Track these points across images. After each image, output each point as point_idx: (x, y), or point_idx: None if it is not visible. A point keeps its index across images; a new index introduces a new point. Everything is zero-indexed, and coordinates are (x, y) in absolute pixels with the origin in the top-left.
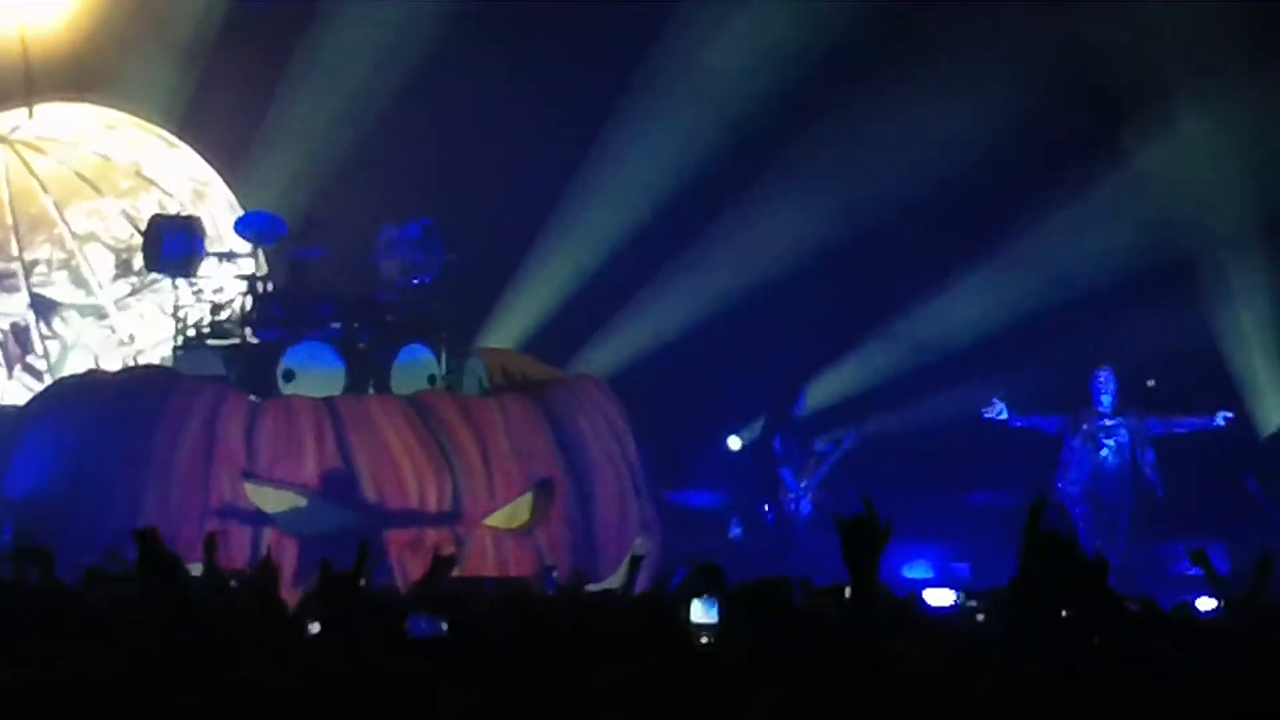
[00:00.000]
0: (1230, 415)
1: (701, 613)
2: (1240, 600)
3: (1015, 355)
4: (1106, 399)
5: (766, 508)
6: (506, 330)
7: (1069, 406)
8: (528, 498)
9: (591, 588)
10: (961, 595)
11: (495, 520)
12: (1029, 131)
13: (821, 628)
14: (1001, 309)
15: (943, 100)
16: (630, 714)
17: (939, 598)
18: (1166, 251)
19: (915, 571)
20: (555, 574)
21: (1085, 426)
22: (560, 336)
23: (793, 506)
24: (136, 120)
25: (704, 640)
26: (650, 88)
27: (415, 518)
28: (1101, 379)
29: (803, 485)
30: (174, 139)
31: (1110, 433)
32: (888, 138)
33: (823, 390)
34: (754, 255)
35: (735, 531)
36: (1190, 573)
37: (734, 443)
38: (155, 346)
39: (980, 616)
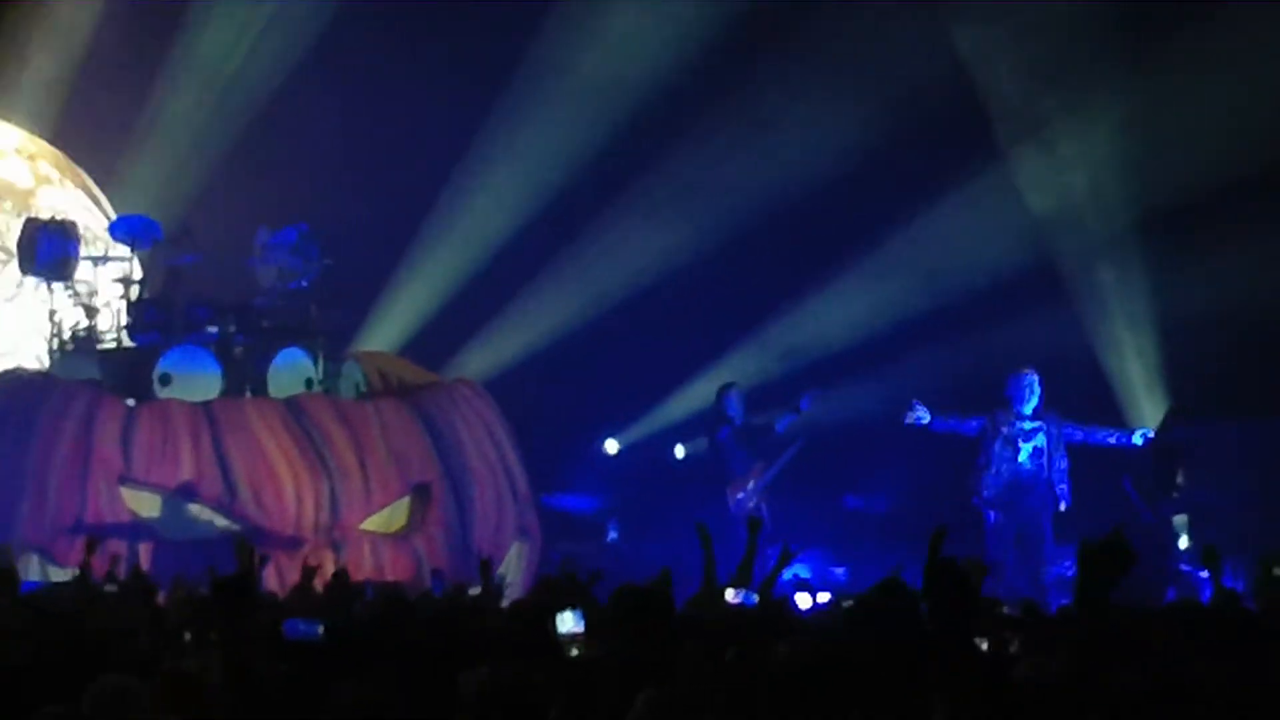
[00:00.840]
0: (1150, 436)
1: (570, 623)
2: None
3: (890, 359)
4: (1032, 402)
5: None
6: (383, 334)
7: (986, 409)
8: (405, 502)
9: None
10: (837, 598)
11: (372, 524)
12: (902, 135)
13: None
14: (875, 313)
15: (816, 104)
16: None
17: (813, 600)
18: (1040, 254)
19: (793, 573)
20: (443, 576)
21: (1005, 430)
22: (437, 340)
23: (739, 505)
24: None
25: (574, 652)
26: (526, 93)
27: (292, 522)
28: (1026, 381)
29: (750, 485)
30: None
31: (1029, 436)
32: (763, 142)
33: (697, 395)
34: (629, 260)
35: (613, 535)
36: (1069, 575)
37: (610, 446)
38: (28, 350)
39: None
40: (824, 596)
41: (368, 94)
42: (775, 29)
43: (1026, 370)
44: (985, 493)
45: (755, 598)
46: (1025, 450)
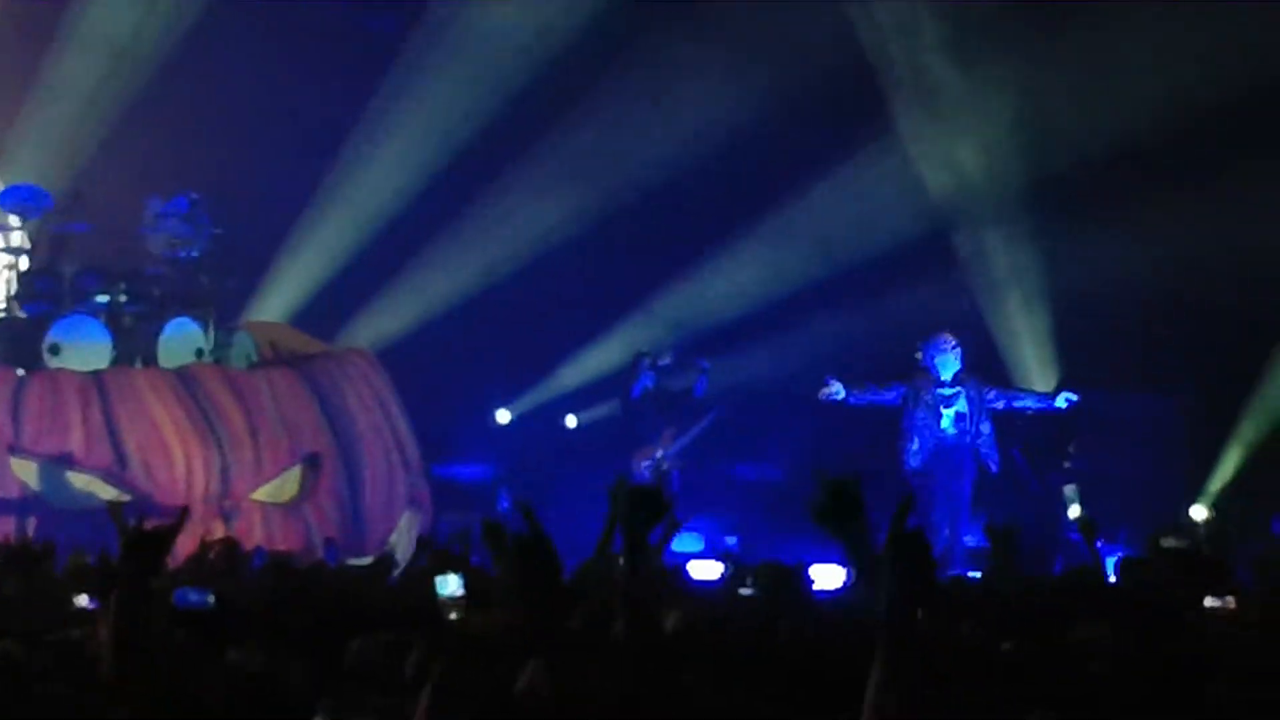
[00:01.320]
0: (1074, 398)
1: (452, 586)
2: (993, 573)
3: (782, 329)
4: (953, 368)
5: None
6: (274, 304)
7: (905, 375)
8: (296, 472)
9: (358, 561)
10: (730, 568)
11: (263, 494)
12: (796, 106)
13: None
14: (769, 283)
15: (709, 76)
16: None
17: (706, 570)
18: (933, 224)
19: (684, 545)
20: (337, 545)
21: (925, 397)
22: (328, 310)
23: (646, 472)
24: None
25: (453, 615)
26: (418, 62)
27: (182, 492)
28: (944, 345)
29: (659, 455)
30: None
31: (950, 402)
32: (656, 114)
33: (588, 365)
34: (520, 231)
35: (504, 504)
36: (977, 546)
37: (502, 416)
38: None
39: (747, 590)
40: (717, 566)
41: (260, 62)
42: (669, 3)
43: (943, 336)
44: (911, 462)
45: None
46: (947, 417)
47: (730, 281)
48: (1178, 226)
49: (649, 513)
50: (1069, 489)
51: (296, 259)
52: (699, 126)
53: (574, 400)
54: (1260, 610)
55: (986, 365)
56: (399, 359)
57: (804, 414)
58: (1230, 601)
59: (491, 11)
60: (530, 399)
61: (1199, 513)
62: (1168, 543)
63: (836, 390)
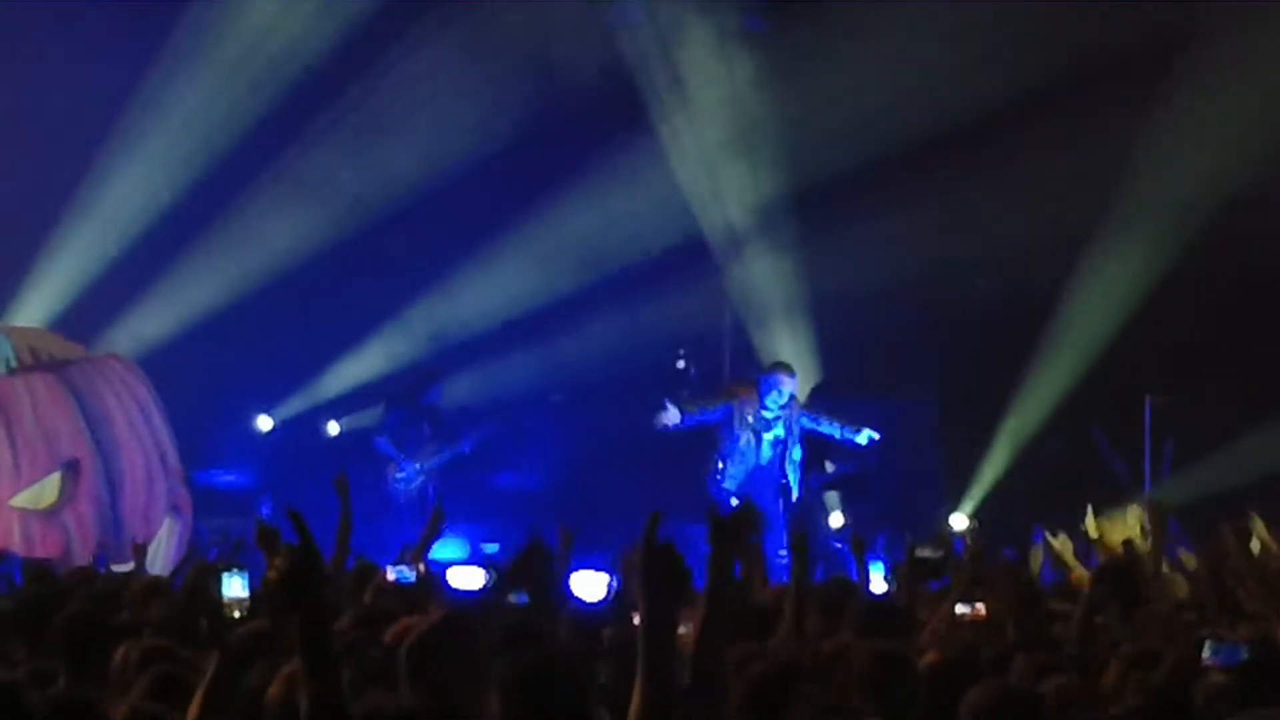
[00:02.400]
0: (876, 438)
1: (236, 588)
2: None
3: (540, 339)
4: (780, 402)
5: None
6: (33, 308)
7: (730, 393)
8: (55, 478)
9: (120, 567)
10: (493, 575)
11: (22, 500)
12: (552, 113)
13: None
14: (526, 293)
15: (466, 84)
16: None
17: (468, 577)
18: (690, 231)
19: (446, 552)
20: (107, 551)
21: (749, 418)
22: (87, 315)
23: (400, 484)
24: None
25: (236, 615)
26: (175, 66)
27: None
28: (778, 382)
29: (417, 466)
30: None
31: (770, 426)
32: (415, 120)
33: (348, 374)
34: (281, 236)
35: (265, 510)
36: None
37: (263, 423)
38: None
39: (512, 597)
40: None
41: (12, 64)
42: (426, 5)
43: (783, 372)
44: (726, 482)
45: (412, 575)
46: (767, 441)
47: (489, 290)
48: (933, 230)
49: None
50: (829, 495)
51: (54, 262)
52: (459, 134)
53: (335, 407)
54: (1004, 616)
55: (745, 363)
56: (159, 364)
57: (562, 423)
58: (980, 609)
59: (250, 15)
60: (292, 406)
61: (959, 521)
62: (923, 552)
63: (671, 418)
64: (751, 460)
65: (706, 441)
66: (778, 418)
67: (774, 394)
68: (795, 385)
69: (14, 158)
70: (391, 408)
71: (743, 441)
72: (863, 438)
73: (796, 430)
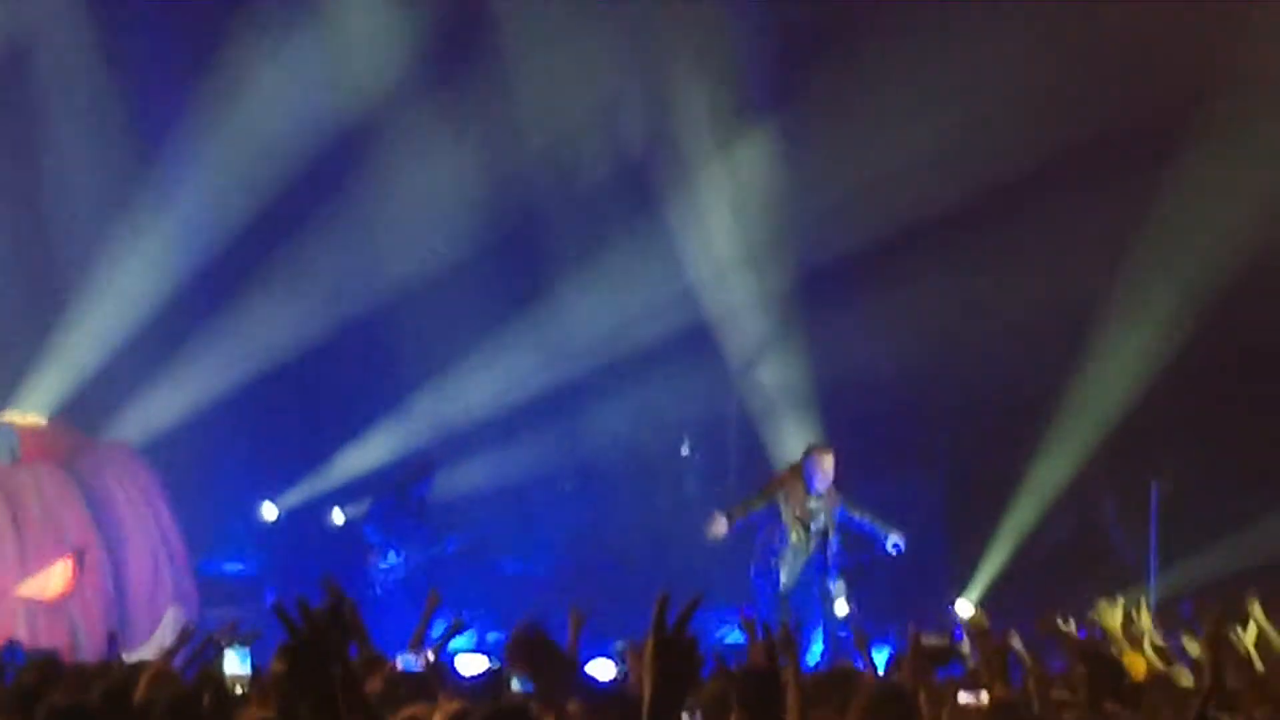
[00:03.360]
0: (901, 547)
1: (236, 665)
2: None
3: (544, 425)
4: (826, 484)
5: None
6: (38, 398)
7: (774, 483)
8: (61, 567)
9: (129, 655)
10: (496, 663)
11: (28, 590)
12: (555, 196)
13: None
14: (529, 379)
15: (467, 167)
16: None
17: (473, 664)
18: (695, 316)
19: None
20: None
21: (797, 511)
22: (92, 404)
23: (381, 573)
24: None
25: (238, 690)
26: (184, 151)
27: None
28: (821, 464)
29: (402, 556)
30: None
31: (816, 516)
32: (412, 210)
33: (352, 463)
34: (285, 325)
35: (270, 599)
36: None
37: (268, 511)
38: None
39: (515, 684)
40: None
41: (24, 148)
42: (428, 96)
43: (818, 453)
44: (772, 573)
45: (418, 663)
46: (813, 532)
47: (496, 378)
48: (938, 310)
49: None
50: (836, 584)
51: (59, 352)
52: (465, 222)
53: (341, 495)
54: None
55: (751, 448)
56: (164, 453)
57: (569, 510)
58: (984, 697)
59: (251, 107)
60: (297, 494)
61: (964, 608)
62: (929, 640)
63: (722, 528)
64: (802, 558)
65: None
66: (819, 507)
67: (818, 476)
68: (832, 464)
69: (18, 247)
70: (380, 497)
71: (794, 539)
72: (890, 543)
73: (835, 519)
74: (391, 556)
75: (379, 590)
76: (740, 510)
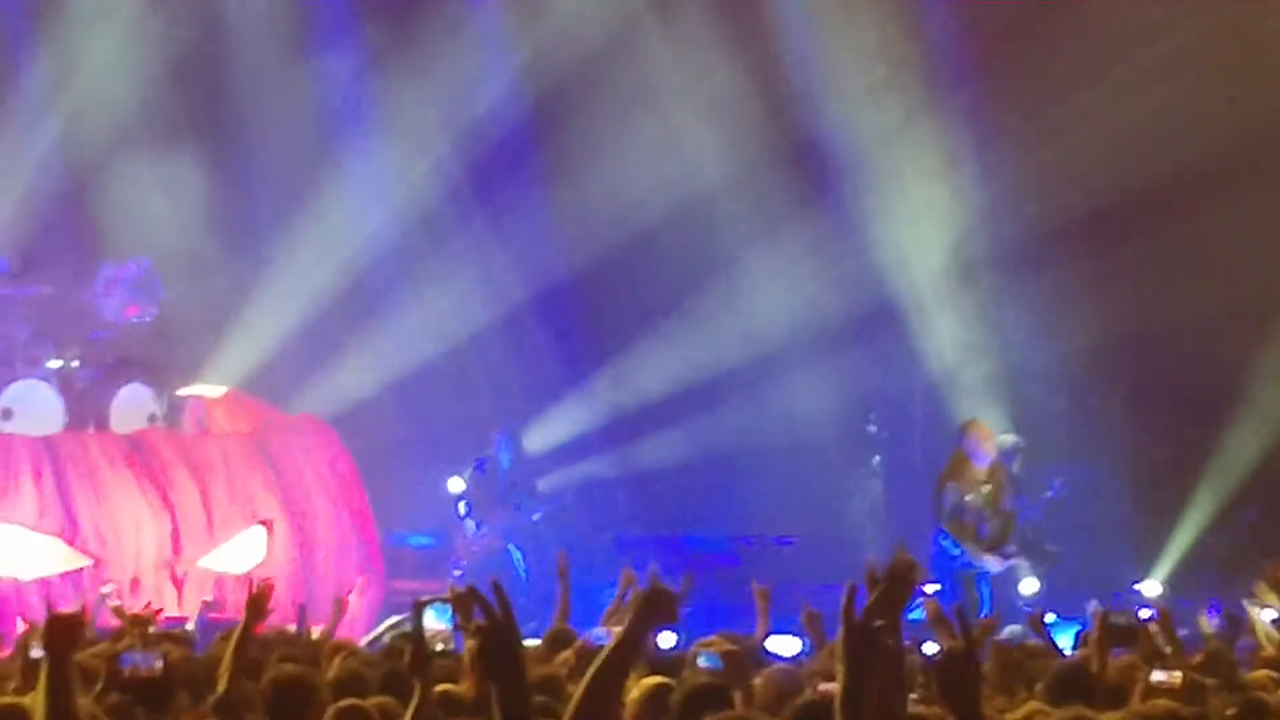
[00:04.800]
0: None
1: (434, 619)
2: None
3: (733, 401)
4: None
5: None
6: (227, 370)
7: (944, 483)
8: (247, 537)
9: (317, 628)
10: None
11: (213, 562)
12: (723, 186)
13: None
14: (715, 358)
15: (639, 149)
16: None
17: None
18: (880, 293)
19: None
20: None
21: (971, 492)
22: (282, 376)
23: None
24: None
25: (440, 647)
26: (371, 130)
27: (133, 558)
28: (979, 432)
29: (483, 530)
30: None
31: (988, 488)
32: (592, 190)
33: (537, 437)
34: (477, 296)
35: (456, 572)
36: None
37: (454, 484)
38: None
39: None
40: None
41: (208, 132)
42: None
43: (976, 424)
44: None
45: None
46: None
47: (680, 355)
48: (1126, 289)
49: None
50: (1022, 563)
51: (251, 324)
52: (652, 196)
53: (528, 468)
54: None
55: (940, 432)
56: (354, 426)
57: (752, 485)
58: (1176, 677)
59: (440, 79)
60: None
61: (1151, 588)
62: (1116, 619)
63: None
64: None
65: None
66: (991, 477)
67: (980, 450)
68: (988, 433)
69: (210, 221)
70: (471, 470)
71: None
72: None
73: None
74: (470, 526)
75: (468, 563)
76: (957, 529)
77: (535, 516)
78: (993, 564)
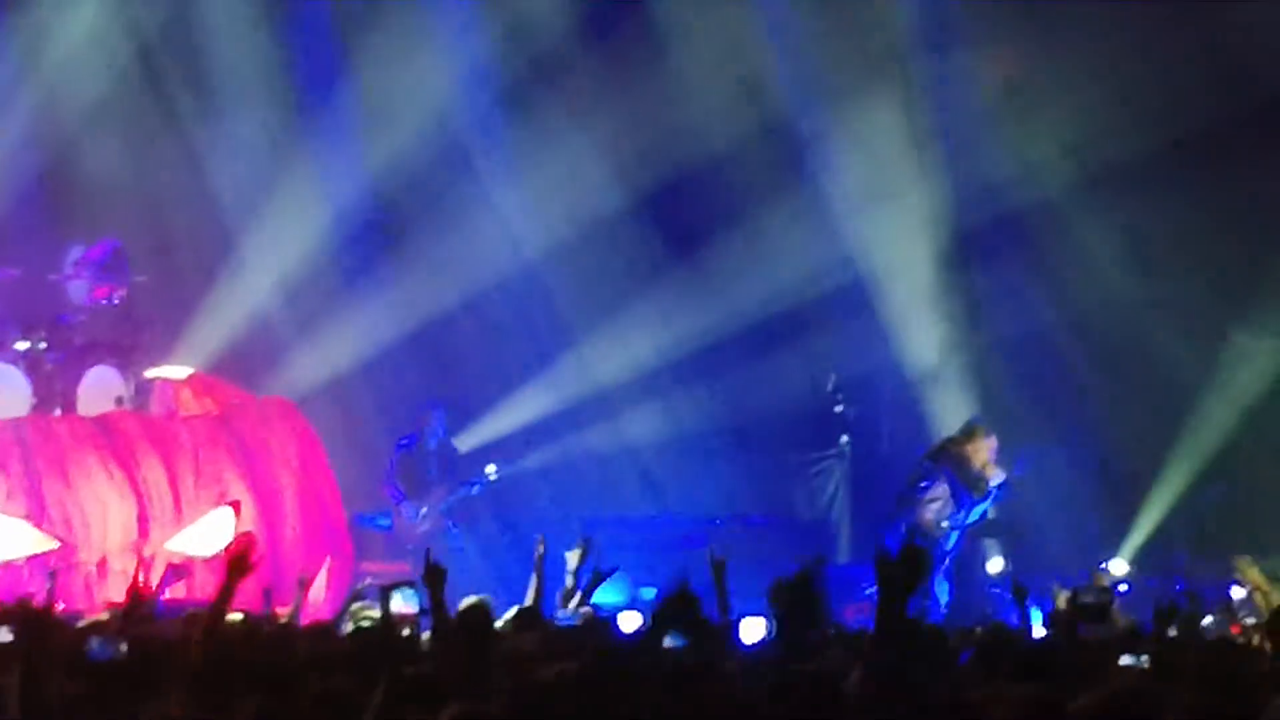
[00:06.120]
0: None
1: (401, 602)
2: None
3: (700, 380)
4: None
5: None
6: (195, 352)
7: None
8: (223, 520)
9: (283, 610)
10: (649, 619)
11: (179, 545)
12: (703, 157)
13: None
14: (685, 336)
15: (616, 121)
16: None
17: (630, 622)
18: (846, 273)
19: (608, 596)
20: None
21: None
22: (250, 358)
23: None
24: None
25: (405, 632)
26: (338, 109)
27: (100, 541)
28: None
29: (423, 511)
30: None
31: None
32: (564, 167)
33: (508, 416)
34: (443, 275)
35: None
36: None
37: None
38: None
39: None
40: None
41: (176, 110)
42: (582, 42)
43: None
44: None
45: (574, 618)
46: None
47: (647, 336)
48: (1094, 273)
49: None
50: (989, 541)
51: (218, 306)
52: (618, 174)
53: (493, 451)
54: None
55: (907, 412)
56: (320, 407)
57: (721, 464)
58: (1145, 661)
59: (407, 64)
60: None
61: (1118, 567)
62: (1085, 598)
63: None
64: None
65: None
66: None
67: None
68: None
69: (177, 198)
70: (396, 453)
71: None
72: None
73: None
74: (408, 510)
75: (409, 547)
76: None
77: (474, 490)
78: None
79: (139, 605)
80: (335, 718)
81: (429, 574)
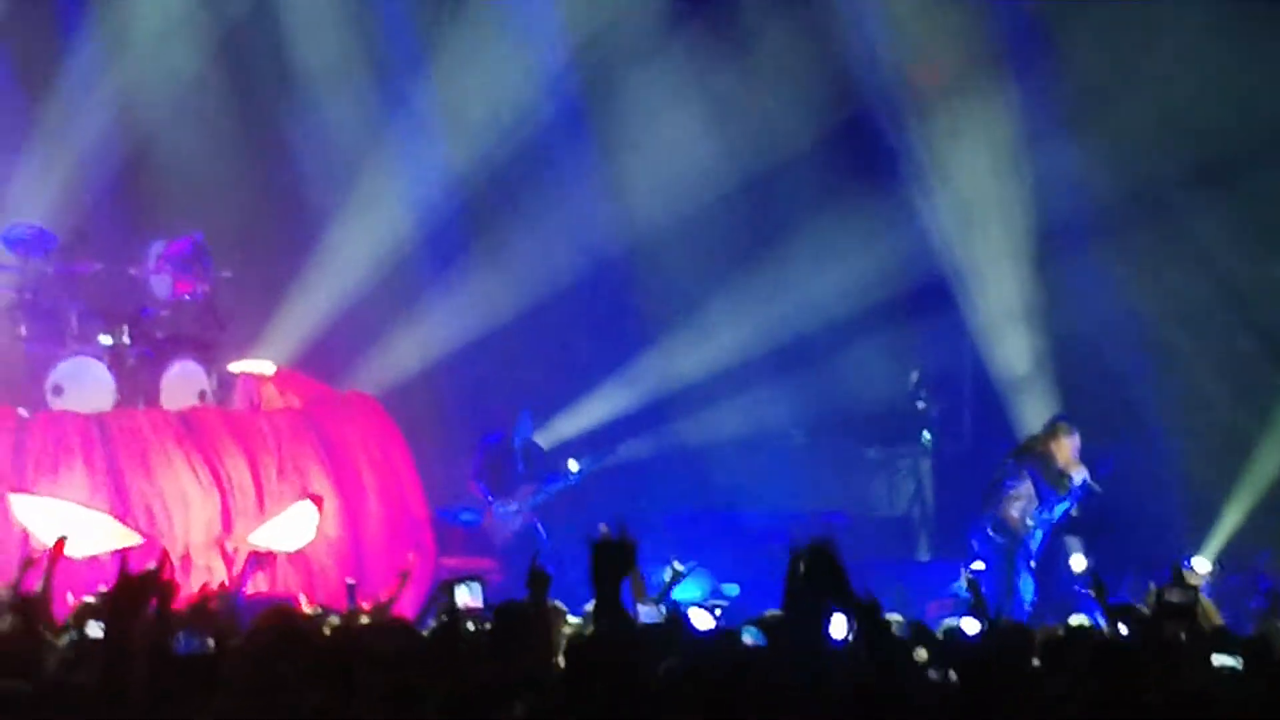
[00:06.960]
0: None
1: (467, 596)
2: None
3: (783, 375)
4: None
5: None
6: (278, 346)
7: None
8: (306, 514)
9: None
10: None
11: (262, 538)
12: (773, 163)
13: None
14: (767, 333)
15: (687, 129)
16: None
17: (704, 619)
18: (931, 269)
19: (684, 593)
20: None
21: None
22: (333, 353)
23: (500, 519)
24: None
25: (470, 626)
26: (422, 104)
27: (183, 535)
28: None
29: (514, 508)
30: None
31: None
32: (642, 167)
33: (592, 412)
34: (524, 270)
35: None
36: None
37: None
38: None
39: (748, 639)
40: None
41: (264, 107)
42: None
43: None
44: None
45: (656, 614)
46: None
47: (731, 331)
48: (1179, 269)
49: (617, 565)
50: (1071, 539)
51: (301, 300)
52: (703, 170)
53: (577, 446)
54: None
55: (990, 409)
56: (403, 402)
57: (805, 460)
58: (1238, 661)
59: (493, 57)
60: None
61: (1201, 565)
62: (1172, 596)
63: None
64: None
65: None
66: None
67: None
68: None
69: (262, 198)
70: (482, 451)
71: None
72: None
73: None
74: (499, 508)
75: (500, 543)
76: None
77: (558, 486)
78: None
79: (209, 599)
80: (398, 714)
81: (533, 580)
